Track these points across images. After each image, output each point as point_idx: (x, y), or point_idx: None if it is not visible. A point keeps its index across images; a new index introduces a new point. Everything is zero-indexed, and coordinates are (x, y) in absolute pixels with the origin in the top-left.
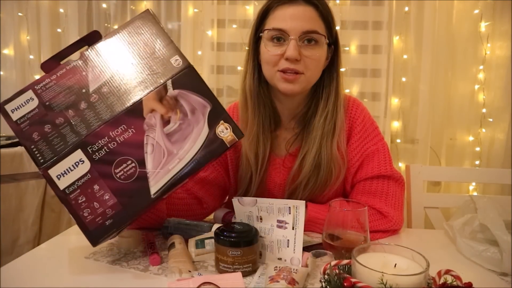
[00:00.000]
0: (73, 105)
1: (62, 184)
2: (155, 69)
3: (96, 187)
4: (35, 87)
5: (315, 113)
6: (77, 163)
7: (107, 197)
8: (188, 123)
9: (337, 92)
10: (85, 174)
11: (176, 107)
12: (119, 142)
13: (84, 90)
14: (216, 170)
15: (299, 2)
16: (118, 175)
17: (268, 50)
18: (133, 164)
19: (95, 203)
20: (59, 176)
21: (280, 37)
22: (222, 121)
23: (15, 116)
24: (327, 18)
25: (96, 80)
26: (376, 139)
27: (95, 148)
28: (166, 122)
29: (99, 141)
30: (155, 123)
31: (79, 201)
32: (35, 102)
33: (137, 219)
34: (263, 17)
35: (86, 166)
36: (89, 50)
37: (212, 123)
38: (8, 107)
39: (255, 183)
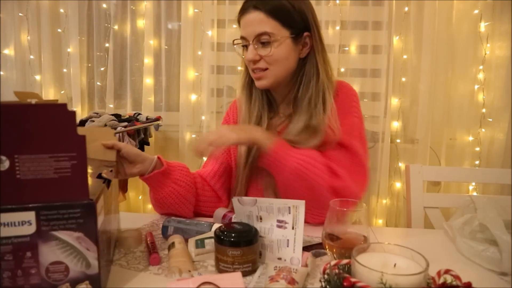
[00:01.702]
0: None
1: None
2: None
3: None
4: None
5: (301, 99)
6: (24, 222)
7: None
8: None
9: (317, 76)
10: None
11: None
12: None
13: None
14: (226, 160)
15: (250, 10)
16: None
17: (243, 56)
18: None
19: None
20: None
21: (245, 44)
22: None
23: None
24: (280, 15)
25: None
26: (350, 115)
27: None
28: None
29: None
30: None
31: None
32: None
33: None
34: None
35: (31, 229)
36: None
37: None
38: None
39: (246, 168)
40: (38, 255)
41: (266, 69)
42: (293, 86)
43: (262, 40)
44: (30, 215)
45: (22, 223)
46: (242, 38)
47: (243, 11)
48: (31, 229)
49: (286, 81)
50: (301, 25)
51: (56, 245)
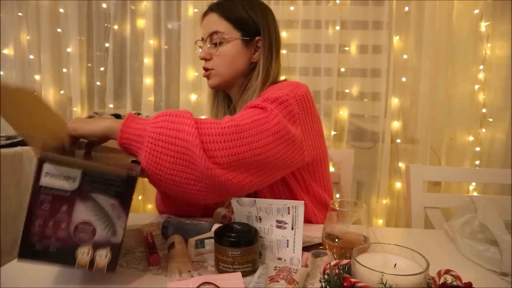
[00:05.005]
0: None
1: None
2: None
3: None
4: None
5: (245, 102)
6: (69, 177)
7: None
8: None
9: (263, 82)
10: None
11: None
12: None
13: None
14: None
15: (208, 12)
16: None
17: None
18: None
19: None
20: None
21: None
22: None
23: None
24: (232, 17)
25: None
26: (274, 89)
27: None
28: None
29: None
30: None
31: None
32: None
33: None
34: None
35: (73, 186)
36: None
37: None
38: None
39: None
40: (72, 212)
41: (211, 69)
42: (244, 89)
43: (214, 40)
44: (77, 173)
45: (67, 178)
46: (200, 39)
47: (203, 15)
48: (73, 186)
49: (239, 84)
50: (254, 29)
51: (91, 206)
